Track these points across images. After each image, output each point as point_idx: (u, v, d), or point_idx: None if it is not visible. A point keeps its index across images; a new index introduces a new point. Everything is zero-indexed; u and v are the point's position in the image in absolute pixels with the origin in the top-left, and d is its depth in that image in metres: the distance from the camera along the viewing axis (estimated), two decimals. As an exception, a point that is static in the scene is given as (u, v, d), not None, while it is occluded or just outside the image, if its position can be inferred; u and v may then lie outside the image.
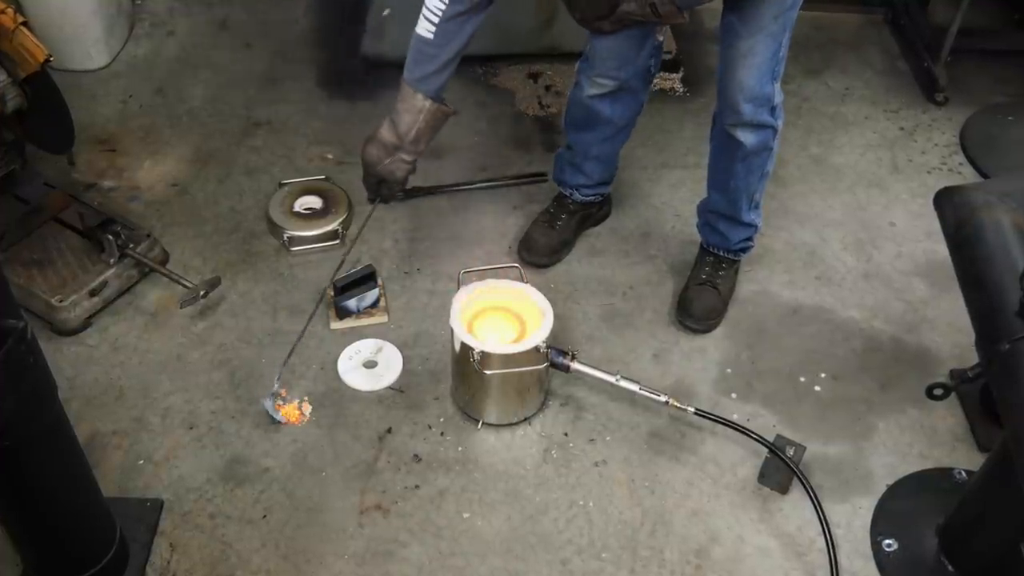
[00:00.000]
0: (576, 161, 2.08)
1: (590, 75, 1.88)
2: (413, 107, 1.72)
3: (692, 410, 1.80)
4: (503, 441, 1.84)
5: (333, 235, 2.19)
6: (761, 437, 1.79)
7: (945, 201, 1.52)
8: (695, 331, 2.02)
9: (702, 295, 2.02)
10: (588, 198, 2.15)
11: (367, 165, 1.82)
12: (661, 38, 1.77)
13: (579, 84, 1.93)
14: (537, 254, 2.12)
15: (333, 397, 1.90)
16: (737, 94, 1.75)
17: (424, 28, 1.65)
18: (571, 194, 2.14)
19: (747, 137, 1.81)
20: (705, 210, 2.03)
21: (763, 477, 1.78)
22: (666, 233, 2.27)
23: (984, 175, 2.45)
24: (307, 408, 1.87)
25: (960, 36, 2.56)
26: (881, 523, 1.72)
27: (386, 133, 1.76)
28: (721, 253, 2.05)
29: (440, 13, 1.62)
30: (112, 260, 2.01)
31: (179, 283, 2.00)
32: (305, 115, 2.53)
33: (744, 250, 2.06)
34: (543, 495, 1.75)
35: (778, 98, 1.78)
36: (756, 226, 2.01)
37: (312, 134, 2.48)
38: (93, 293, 1.98)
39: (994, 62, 2.76)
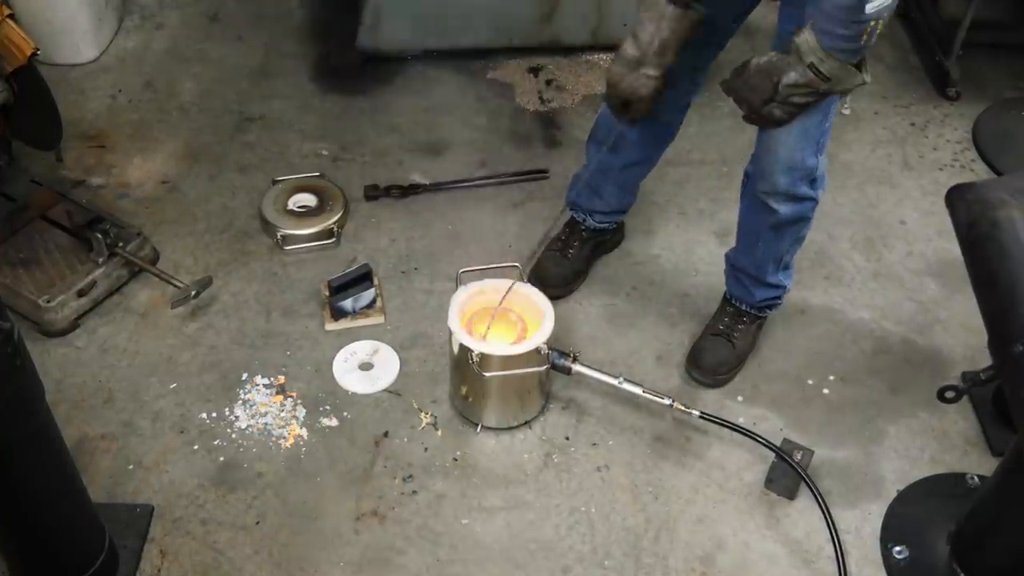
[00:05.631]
0: (595, 184, 1.98)
1: None
2: (655, 14, 1.53)
3: (697, 413, 1.77)
4: (503, 445, 1.81)
5: (328, 234, 2.16)
6: (768, 441, 1.76)
7: (957, 198, 1.51)
8: (702, 384, 1.90)
9: (715, 347, 1.90)
10: (602, 225, 2.06)
11: (610, 85, 1.63)
12: (847, 110, 1.63)
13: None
14: (550, 285, 1.98)
15: (328, 400, 1.87)
16: (772, 164, 1.64)
17: None
18: (584, 220, 2.04)
19: (782, 207, 1.70)
20: (731, 262, 1.92)
21: (770, 482, 1.76)
22: (670, 231, 2.24)
23: (997, 172, 2.42)
24: (301, 411, 1.84)
25: (972, 30, 2.53)
26: (891, 529, 1.71)
27: (628, 47, 1.58)
28: (743, 307, 1.92)
29: None
30: (101, 259, 1.99)
31: (170, 283, 1.98)
32: (299, 110, 2.51)
33: (770, 307, 1.93)
34: (544, 501, 1.73)
35: (821, 169, 1.68)
36: (784, 287, 1.89)
37: (306, 130, 2.46)
38: (81, 293, 1.96)
39: (1007, 56, 2.73)
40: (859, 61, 1.45)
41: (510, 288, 1.78)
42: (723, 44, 1.73)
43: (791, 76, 1.45)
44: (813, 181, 1.68)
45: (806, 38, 1.42)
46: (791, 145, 1.61)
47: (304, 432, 1.81)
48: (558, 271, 2.05)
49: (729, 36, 1.72)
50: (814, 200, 1.72)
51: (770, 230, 1.76)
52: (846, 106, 1.57)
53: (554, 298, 1.87)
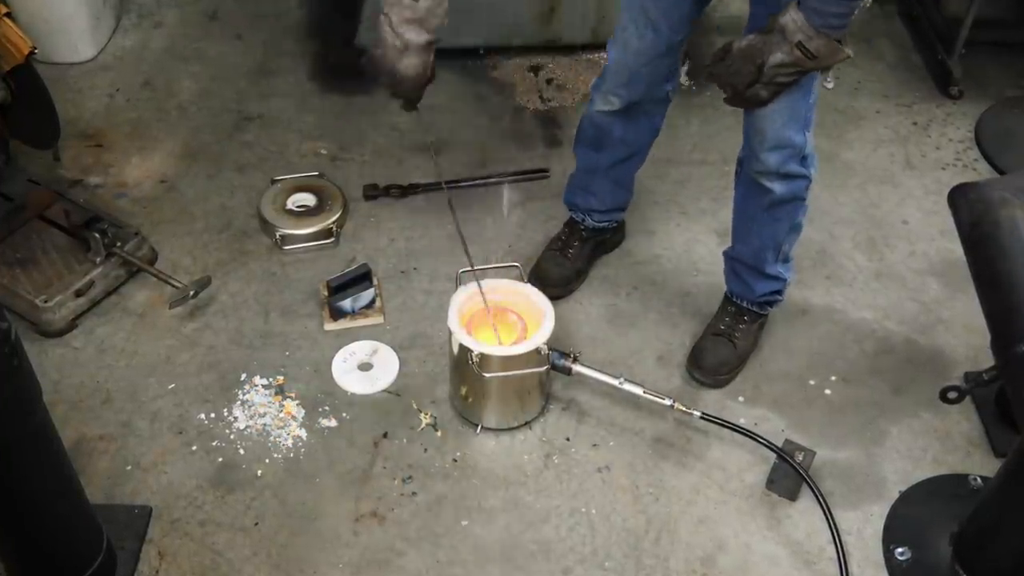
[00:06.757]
0: (587, 184, 1.99)
1: (602, 90, 1.81)
2: None
3: (698, 414, 1.76)
4: (503, 446, 1.81)
5: (327, 233, 2.15)
6: (769, 442, 1.75)
7: (960, 198, 1.51)
8: (703, 385, 1.90)
9: (716, 347, 1.89)
10: (601, 224, 2.05)
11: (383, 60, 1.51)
12: (830, 83, 1.61)
13: (592, 100, 1.85)
14: (550, 285, 1.98)
15: (327, 401, 1.86)
16: (761, 144, 1.65)
17: None
18: (583, 219, 2.04)
19: (776, 185, 1.71)
20: (729, 256, 1.92)
21: (771, 483, 1.75)
22: (671, 231, 2.23)
23: (1000, 171, 2.41)
24: (300, 412, 1.84)
25: (975, 27, 2.52)
26: (893, 531, 1.70)
27: (401, 13, 1.47)
28: (744, 304, 1.91)
29: None
30: (99, 259, 1.98)
31: (168, 283, 1.97)
32: (298, 109, 2.50)
33: (770, 303, 1.92)
34: (544, 502, 1.73)
35: (809, 147, 1.68)
36: (784, 279, 1.88)
37: (305, 129, 2.45)
38: (79, 293, 1.95)
39: (1010, 54, 2.72)
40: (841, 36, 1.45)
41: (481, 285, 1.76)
42: (688, 32, 1.73)
43: (777, 56, 1.44)
44: (803, 159, 1.69)
45: (792, 17, 1.41)
46: (779, 124, 1.62)
47: (303, 433, 1.80)
48: (558, 271, 2.04)
49: (694, 20, 1.71)
50: (806, 178, 1.73)
51: (765, 212, 1.76)
52: (829, 80, 1.54)
53: (554, 298, 1.87)
